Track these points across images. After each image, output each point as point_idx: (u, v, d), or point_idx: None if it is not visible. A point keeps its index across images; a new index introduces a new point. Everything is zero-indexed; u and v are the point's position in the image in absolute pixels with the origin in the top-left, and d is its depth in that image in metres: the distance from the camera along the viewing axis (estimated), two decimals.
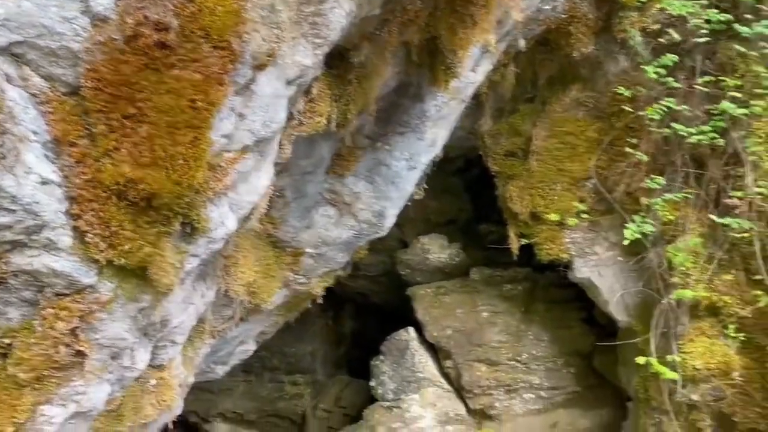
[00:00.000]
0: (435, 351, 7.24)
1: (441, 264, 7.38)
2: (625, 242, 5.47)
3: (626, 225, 5.47)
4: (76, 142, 2.80)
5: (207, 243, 3.46)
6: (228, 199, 3.47)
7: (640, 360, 5.16)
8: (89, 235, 2.89)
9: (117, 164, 2.82)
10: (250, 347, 5.74)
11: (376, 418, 7.08)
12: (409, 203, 6.18)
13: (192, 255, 3.44)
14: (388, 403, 7.15)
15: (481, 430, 6.92)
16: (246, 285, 4.60)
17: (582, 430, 6.76)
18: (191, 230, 3.33)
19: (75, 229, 2.87)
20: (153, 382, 4.17)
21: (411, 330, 7.27)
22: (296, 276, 5.22)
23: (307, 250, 5.12)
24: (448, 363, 7.08)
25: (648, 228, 5.41)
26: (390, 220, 5.32)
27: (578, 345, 6.96)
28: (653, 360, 5.12)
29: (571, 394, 6.95)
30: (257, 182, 3.57)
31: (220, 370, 5.71)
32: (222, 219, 3.45)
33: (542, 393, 6.96)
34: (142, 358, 3.68)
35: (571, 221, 5.95)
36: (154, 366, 4.17)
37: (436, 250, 7.40)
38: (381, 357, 7.37)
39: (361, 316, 9.36)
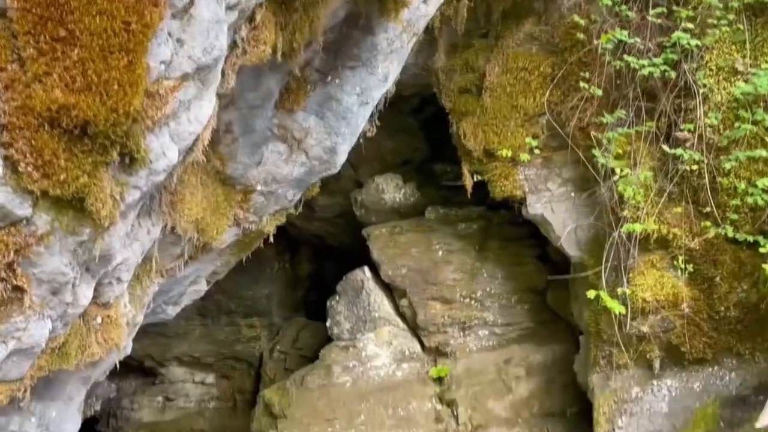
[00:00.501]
0: (390, 290, 7.24)
1: (396, 204, 7.34)
2: (615, 178, 5.44)
3: (595, 155, 5.46)
4: (4, 67, 2.67)
5: (148, 175, 3.36)
6: (169, 129, 3.36)
7: (591, 294, 5.21)
8: (21, 164, 2.78)
9: (48, 90, 2.71)
10: (202, 287, 5.67)
11: (332, 358, 7.10)
12: (362, 141, 6.13)
13: (133, 187, 3.34)
14: (343, 343, 7.16)
15: (436, 367, 6.97)
16: (194, 222, 4.51)
17: (535, 365, 6.84)
18: (131, 161, 3.23)
19: (6, 158, 2.76)
20: (99, 320, 4.10)
21: (366, 270, 7.25)
22: (247, 214, 5.13)
23: (258, 187, 5.03)
24: (403, 302, 7.10)
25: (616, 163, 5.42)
26: (342, 157, 5.24)
27: (532, 282, 7.02)
28: (603, 294, 5.17)
29: (525, 330, 7.03)
30: (199, 112, 3.46)
31: (172, 311, 5.65)
32: (163, 150, 3.35)
33: (496, 329, 7.02)
34: (85, 294, 3.60)
35: (524, 157, 5.93)
36: (100, 304, 4.09)
37: (391, 189, 7.36)
38: (336, 297, 7.36)
39: (319, 258, 9.34)
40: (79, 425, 4.87)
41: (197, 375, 8.84)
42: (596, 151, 5.46)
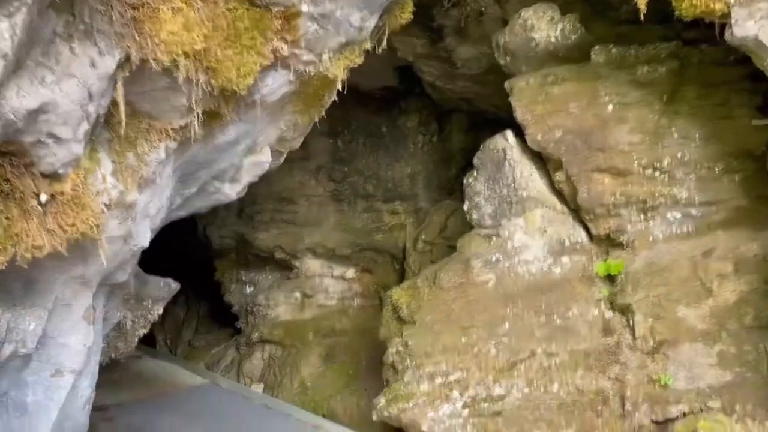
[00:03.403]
0: (543, 161, 5.47)
1: (552, 45, 5.41)
2: None
3: None
4: None
5: None
6: None
7: None
8: None
9: None
10: (266, 158, 4.29)
11: (471, 249, 5.56)
12: None
13: None
14: (485, 231, 5.58)
15: (605, 262, 5.20)
16: (185, 54, 3.08)
17: (749, 259, 4.87)
18: None
19: None
20: (43, 198, 2.85)
21: (509, 134, 5.52)
22: (295, 49, 3.62)
23: (303, 7, 3.48)
24: (559, 175, 5.31)
25: None
26: None
27: (746, 142, 4.94)
28: None
29: (734, 211, 5.02)
30: None
31: (230, 190, 4.35)
32: None
33: (692, 210, 5.08)
34: None
35: None
36: (44, 175, 2.83)
37: (544, 26, 5.42)
38: (474, 173, 5.74)
39: (474, 129, 7.64)
40: (90, 335, 3.77)
41: (336, 269, 7.66)
42: None
